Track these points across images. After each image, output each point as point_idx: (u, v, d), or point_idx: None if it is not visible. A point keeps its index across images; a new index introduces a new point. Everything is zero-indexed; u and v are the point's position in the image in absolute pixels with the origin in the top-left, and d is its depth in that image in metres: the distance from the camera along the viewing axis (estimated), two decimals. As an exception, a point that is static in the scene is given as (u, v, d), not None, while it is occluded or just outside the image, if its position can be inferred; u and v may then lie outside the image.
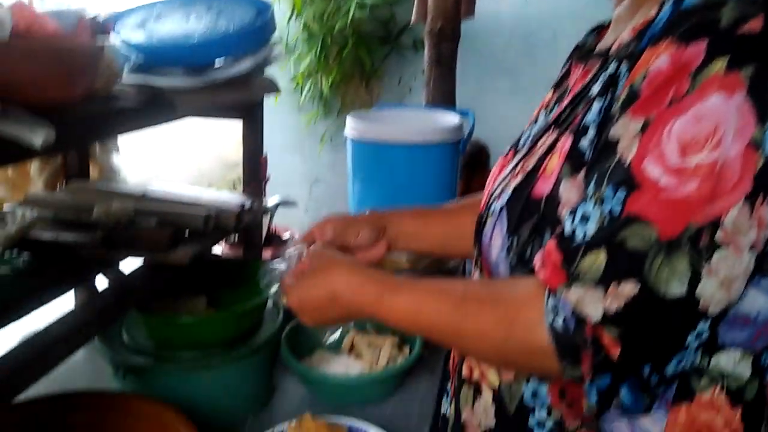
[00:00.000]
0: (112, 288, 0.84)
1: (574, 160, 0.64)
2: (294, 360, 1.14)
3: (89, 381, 1.11)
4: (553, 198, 0.65)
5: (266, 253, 1.41)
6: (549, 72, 0.87)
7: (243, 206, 1.05)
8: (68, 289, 0.93)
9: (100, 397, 0.93)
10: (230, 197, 1.16)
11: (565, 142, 0.66)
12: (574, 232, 0.59)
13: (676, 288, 0.54)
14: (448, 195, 1.68)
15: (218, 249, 1.49)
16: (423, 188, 1.65)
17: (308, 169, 3.12)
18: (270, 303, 1.18)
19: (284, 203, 1.48)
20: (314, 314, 0.77)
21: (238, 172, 1.31)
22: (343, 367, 1.20)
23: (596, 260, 0.56)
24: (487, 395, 0.75)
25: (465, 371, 0.80)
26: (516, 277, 0.69)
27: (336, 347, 1.28)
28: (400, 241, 0.93)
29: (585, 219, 0.59)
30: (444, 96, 2.11)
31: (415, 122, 1.78)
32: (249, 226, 1.24)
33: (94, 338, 1.03)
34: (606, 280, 0.55)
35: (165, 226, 0.92)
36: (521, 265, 0.68)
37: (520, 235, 0.68)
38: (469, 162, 2.12)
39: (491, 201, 0.75)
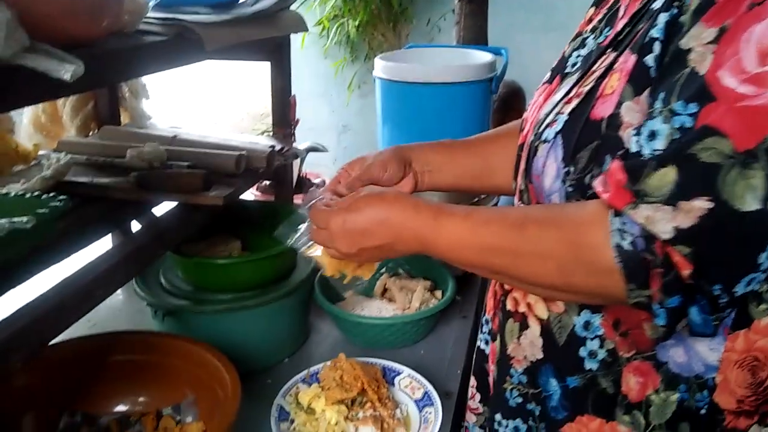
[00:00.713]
0: (147, 230, 0.84)
1: (638, 79, 0.61)
2: (327, 303, 1.14)
3: (129, 323, 1.14)
4: (615, 119, 0.63)
5: (297, 199, 1.40)
6: (585, 6, 0.82)
7: (273, 148, 1.04)
8: (105, 233, 0.94)
9: (141, 338, 0.95)
10: (260, 141, 1.15)
11: (627, 61, 0.63)
12: (640, 150, 0.57)
13: (751, 203, 0.51)
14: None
15: (250, 195, 1.49)
16: (453, 130, 1.61)
17: (336, 117, 3.09)
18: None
19: (314, 149, 1.47)
20: (357, 239, 0.70)
21: (267, 123, 1.30)
22: (375, 310, 1.21)
23: (666, 177, 0.54)
24: (534, 328, 0.75)
25: (510, 305, 0.79)
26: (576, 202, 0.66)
27: (368, 292, 1.28)
28: (425, 176, 0.90)
29: (652, 136, 0.56)
30: (475, 34, 2.05)
31: (446, 61, 1.74)
32: (280, 170, 1.23)
33: (133, 280, 1.06)
34: (676, 197, 0.53)
35: (197, 168, 0.92)
36: (578, 192, 0.66)
37: (577, 162, 0.65)
38: (501, 105, 2.07)
39: (542, 128, 0.72)
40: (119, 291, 1.34)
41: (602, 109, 0.64)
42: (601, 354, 0.70)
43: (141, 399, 0.92)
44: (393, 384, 1.01)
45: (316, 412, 0.92)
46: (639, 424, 0.69)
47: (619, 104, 0.62)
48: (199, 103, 2.26)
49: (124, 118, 1.29)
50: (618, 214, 0.57)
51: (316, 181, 1.60)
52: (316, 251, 0.79)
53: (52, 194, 0.79)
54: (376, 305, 1.22)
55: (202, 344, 0.91)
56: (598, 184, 0.61)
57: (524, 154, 0.76)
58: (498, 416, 0.83)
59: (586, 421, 0.72)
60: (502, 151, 0.94)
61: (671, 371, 0.67)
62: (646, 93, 0.60)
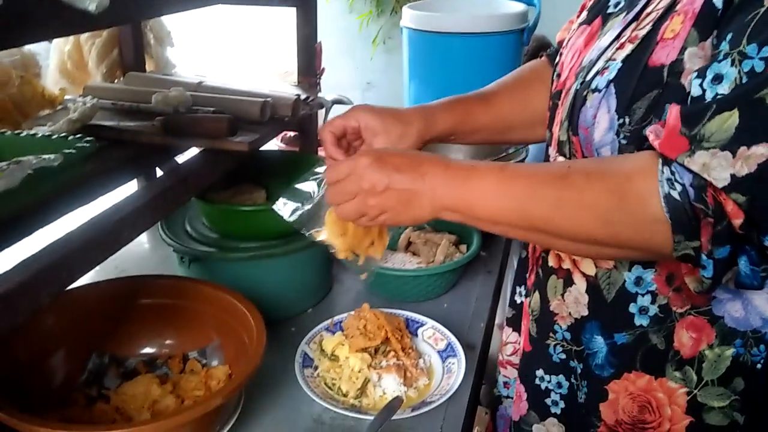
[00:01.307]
0: (172, 174, 0.84)
1: (705, 22, 0.58)
2: (351, 254, 1.14)
3: (156, 271, 1.15)
4: (677, 66, 0.59)
5: (322, 151, 1.39)
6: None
7: (299, 97, 1.02)
8: (131, 178, 0.94)
9: (168, 282, 0.96)
10: (286, 89, 1.13)
11: (693, 2, 0.59)
12: (702, 94, 0.54)
13: None
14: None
15: (275, 147, 1.48)
16: (482, 84, 1.58)
17: (360, 74, 3.04)
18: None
19: (340, 101, 1.45)
20: (389, 169, 0.65)
21: (292, 80, 1.28)
22: (399, 263, 1.20)
23: (726, 121, 0.52)
24: (580, 284, 0.74)
25: (552, 261, 0.78)
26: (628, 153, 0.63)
27: (392, 245, 1.27)
28: (444, 136, 0.88)
29: (717, 79, 0.54)
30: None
31: (476, 10, 1.69)
32: (305, 121, 1.22)
33: (159, 227, 1.06)
34: (736, 142, 0.51)
35: (222, 114, 0.90)
36: (633, 145, 0.63)
37: (634, 112, 0.62)
38: (529, 60, 2.01)
39: (590, 76, 0.68)
40: (146, 239, 1.35)
41: (662, 55, 0.61)
42: (653, 310, 0.68)
43: (167, 342, 0.94)
44: (416, 335, 1.01)
45: (339, 360, 0.93)
46: (690, 380, 0.68)
47: (682, 50, 0.59)
48: (223, 59, 2.24)
49: (149, 66, 1.28)
50: (668, 162, 0.55)
51: (341, 133, 1.57)
52: (324, 234, 0.76)
53: (78, 136, 0.78)
54: (400, 258, 1.22)
55: (228, 290, 0.91)
56: (650, 132, 0.58)
57: (564, 103, 0.72)
58: (540, 372, 0.82)
59: (634, 378, 0.71)
60: (520, 106, 0.91)
61: (727, 326, 0.66)
62: (712, 36, 0.57)
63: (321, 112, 1.38)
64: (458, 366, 0.93)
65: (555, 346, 0.79)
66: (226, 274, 1.00)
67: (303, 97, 1.09)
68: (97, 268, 1.21)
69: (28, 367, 0.81)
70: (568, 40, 0.80)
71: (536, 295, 0.81)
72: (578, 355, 0.76)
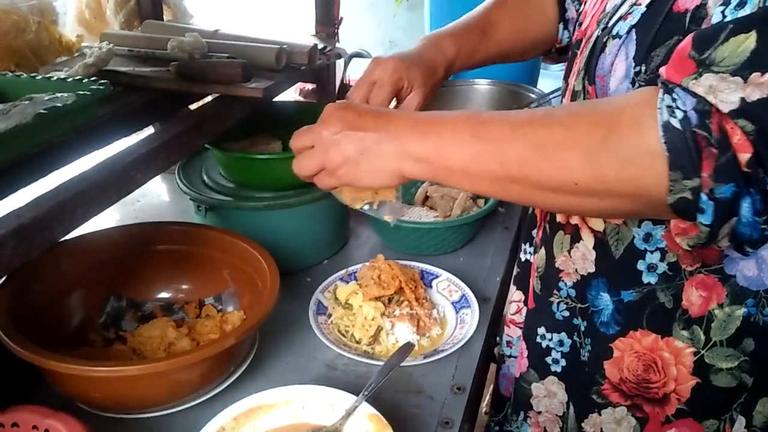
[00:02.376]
0: (186, 118, 0.84)
1: None
2: (367, 206, 1.13)
3: (174, 218, 1.16)
4: (700, 11, 0.55)
5: (340, 104, 1.38)
6: None
7: (315, 45, 1.01)
8: (146, 124, 0.94)
9: (185, 228, 0.96)
10: (303, 39, 1.12)
11: None
12: (723, 20, 0.50)
13: None
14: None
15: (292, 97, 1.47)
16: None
17: (383, 32, 2.99)
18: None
19: (359, 54, 1.42)
20: (350, 114, 0.61)
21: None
22: (416, 216, 1.19)
23: (741, 44, 0.47)
24: (588, 240, 0.72)
25: (560, 217, 0.76)
26: None
27: (409, 199, 1.27)
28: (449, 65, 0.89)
29: (741, 4, 0.49)
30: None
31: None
32: (322, 72, 1.21)
33: (177, 176, 1.07)
34: (750, 67, 0.46)
35: (236, 59, 0.90)
36: None
37: (651, 60, 0.58)
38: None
39: (612, 22, 0.65)
40: (166, 191, 1.36)
41: (687, 0, 0.57)
42: (662, 267, 0.66)
43: (184, 287, 0.95)
44: (430, 286, 1.01)
45: (353, 308, 0.93)
46: (698, 340, 0.66)
47: None
48: (241, 10, 2.21)
49: (167, 16, 1.27)
50: (670, 90, 0.50)
51: (360, 87, 1.55)
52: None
53: (93, 79, 0.78)
54: (417, 212, 1.21)
55: (243, 237, 0.92)
56: (661, 70, 0.54)
57: (584, 52, 0.69)
58: (541, 329, 0.81)
59: (640, 336, 0.69)
60: (518, 37, 0.94)
61: (739, 285, 0.63)
62: None
63: (339, 65, 1.36)
64: (472, 316, 0.93)
65: (558, 303, 0.78)
66: (242, 224, 1.00)
67: (320, 46, 1.07)
68: (118, 218, 1.24)
69: (47, 308, 0.83)
70: None
71: (542, 251, 0.80)
72: (582, 312, 0.75)
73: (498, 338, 1.65)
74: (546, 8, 0.93)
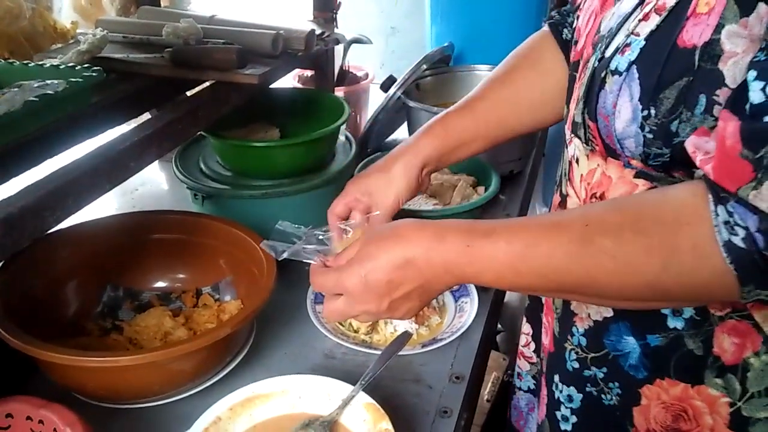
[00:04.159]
0: (181, 105, 0.82)
1: None
2: (367, 194, 1.12)
3: (173, 207, 1.15)
4: (712, 47, 0.48)
5: (339, 91, 1.36)
6: None
7: (313, 30, 0.99)
8: (140, 113, 0.93)
9: (181, 217, 0.96)
10: (300, 24, 1.10)
11: None
12: (765, 101, 0.42)
13: None
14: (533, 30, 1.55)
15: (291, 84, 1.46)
16: (507, 23, 1.52)
17: (385, 18, 2.96)
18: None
19: (358, 40, 1.41)
20: (383, 293, 0.57)
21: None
22: (415, 205, 1.18)
23: None
24: None
25: None
26: (663, 187, 0.53)
27: (410, 187, 1.25)
28: (452, 157, 0.82)
29: None
30: None
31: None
32: (321, 58, 1.19)
33: (174, 165, 1.06)
34: None
35: (232, 46, 0.88)
36: (661, 140, 0.53)
37: (660, 103, 0.52)
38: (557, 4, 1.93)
39: (608, 52, 0.57)
40: (164, 180, 1.36)
41: (694, 34, 0.49)
42: (688, 312, 0.59)
43: (181, 276, 0.94)
44: (430, 275, 1.00)
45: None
46: (733, 390, 0.59)
47: (718, 28, 0.48)
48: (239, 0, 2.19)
49: (164, 2, 1.26)
50: (721, 200, 0.45)
51: (360, 73, 1.54)
52: None
53: (86, 66, 0.77)
54: (416, 200, 1.19)
55: (240, 226, 0.91)
56: (693, 148, 0.48)
57: (582, 78, 0.62)
58: (557, 378, 0.74)
59: (667, 386, 0.62)
60: (509, 106, 0.82)
61: None
62: (758, 11, 0.45)
63: (339, 50, 1.35)
64: (471, 305, 0.92)
65: (570, 351, 0.70)
66: (239, 212, 0.99)
67: (318, 32, 1.06)
68: (116, 206, 1.24)
69: (43, 298, 0.82)
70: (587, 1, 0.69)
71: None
72: (597, 361, 0.67)
73: (502, 329, 1.64)
74: (539, 61, 0.83)
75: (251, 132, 1.11)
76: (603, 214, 0.53)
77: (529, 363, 0.89)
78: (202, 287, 0.93)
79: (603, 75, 0.57)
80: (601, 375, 0.68)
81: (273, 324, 0.91)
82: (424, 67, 1.35)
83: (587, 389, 0.70)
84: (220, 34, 0.94)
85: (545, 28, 0.85)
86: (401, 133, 1.48)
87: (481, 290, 0.97)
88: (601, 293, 0.53)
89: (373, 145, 1.38)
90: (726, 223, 0.44)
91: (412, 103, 1.28)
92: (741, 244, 0.44)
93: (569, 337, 0.70)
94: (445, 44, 1.49)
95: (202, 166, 1.08)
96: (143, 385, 0.73)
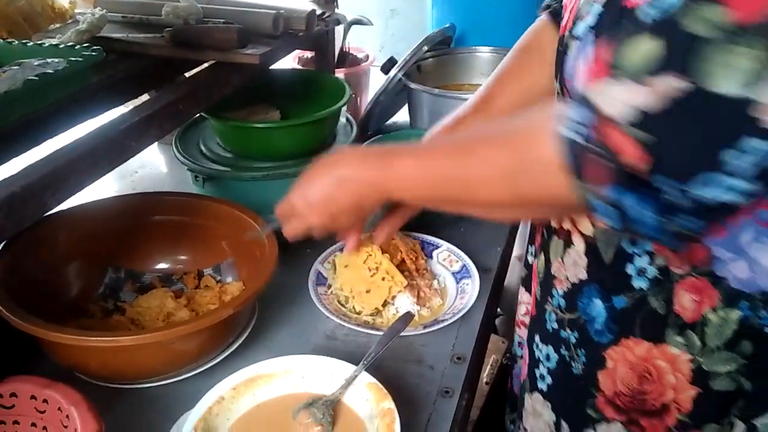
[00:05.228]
0: (181, 86, 0.82)
1: None
2: (368, 177, 1.12)
3: (173, 189, 1.15)
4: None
5: (339, 73, 1.35)
6: None
7: (314, 10, 0.98)
8: (140, 92, 0.92)
9: (182, 199, 0.95)
10: (301, 4, 1.09)
11: None
12: (644, 18, 0.45)
13: (729, 86, 0.42)
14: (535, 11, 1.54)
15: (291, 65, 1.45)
16: (508, 5, 1.51)
17: (383, 1, 2.94)
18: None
19: (358, 21, 1.40)
20: (322, 208, 0.69)
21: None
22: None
23: (640, 48, 0.44)
24: (579, 245, 0.68)
25: (554, 222, 0.73)
26: None
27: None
28: None
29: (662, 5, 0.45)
30: None
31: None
32: (321, 39, 1.18)
33: (174, 147, 1.05)
34: (647, 72, 0.44)
35: (233, 25, 0.87)
36: None
37: None
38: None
39: (576, 22, 0.60)
40: (162, 161, 1.35)
41: None
42: (652, 271, 0.62)
43: (182, 258, 0.94)
44: (431, 257, 1.00)
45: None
46: (693, 345, 0.62)
47: None
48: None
49: (162, -18, 1.24)
50: (572, 99, 0.49)
51: (360, 55, 1.53)
52: None
53: (86, 45, 0.77)
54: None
55: (241, 207, 0.91)
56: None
57: (557, 54, 0.66)
58: (537, 338, 0.78)
59: (633, 345, 0.65)
60: (527, 93, 0.84)
61: (731, 287, 0.59)
62: None
63: (339, 32, 1.34)
64: (472, 287, 0.93)
65: (550, 312, 0.74)
66: (240, 194, 0.99)
67: (319, 12, 1.05)
68: (116, 188, 1.23)
69: (45, 280, 0.82)
70: None
71: (542, 256, 0.76)
72: (571, 323, 0.71)
73: (501, 313, 1.65)
74: (542, 53, 0.82)
75: (251, 113, 1.10)
76: (490, 126, 0.64)
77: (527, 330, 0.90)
78: (203, 269, 0.93)
79: (567, 41, 0.62)
80: (573, 340, 0.71)
81: (275, 305, 0.91)
82: (426, 48, 1.34)
83: (562, 351, 0.74)
84: (220, 13, 0.93)
85: (543, 17, 0.85)
86: (402, 115, 1.47)
87: (483, 272, 0.97)
88: (476, 199, 0.60)
89: (373, 127, 1.38)
90: (569, 118, 0.49)
91: (413, 85, 1.27)
92: (575, 137, 0.48)
93: (549, 299, 0.74)
94: (447, 25, 1.48)
95: (203, 147, 1.08)
96: (146, 365, 0.74)
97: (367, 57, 1.51)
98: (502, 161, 0.56)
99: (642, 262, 0.63)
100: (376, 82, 1.43)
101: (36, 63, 0.64)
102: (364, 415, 0.69)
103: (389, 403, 0.67)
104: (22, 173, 0.59)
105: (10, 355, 0.75)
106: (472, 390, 0.86)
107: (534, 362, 0.79)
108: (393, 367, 0.82)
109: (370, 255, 0.91)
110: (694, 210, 0.46)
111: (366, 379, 0.71)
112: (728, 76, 0.42)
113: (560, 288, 0.72)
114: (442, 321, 0.87)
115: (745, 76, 0.42)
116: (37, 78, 0.63)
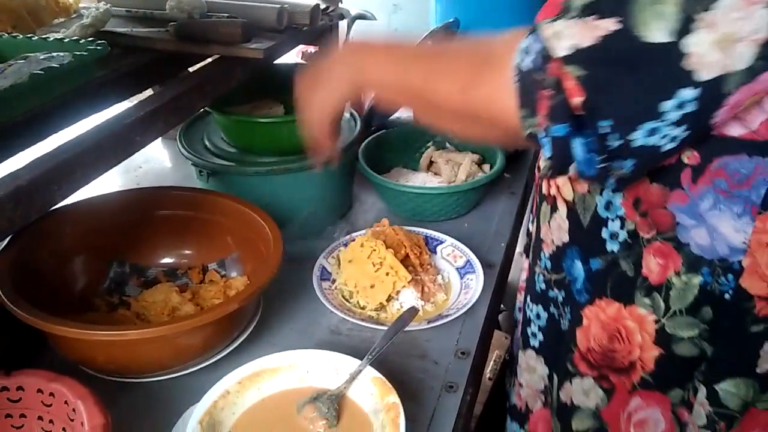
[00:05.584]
0: (186, 80, 0.82)
1: None
2: (371, 172, 1.12)
3: (177, 184, 1.15)
4: None
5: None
6: None
7: (318, 5, 0.98)
8: (144, 86, 0.93)
9: (187, 193, 0.95)
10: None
11: None
12: None
13: (658, 33, 0.45)
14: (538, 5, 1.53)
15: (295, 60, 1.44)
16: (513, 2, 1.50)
17: (387, -5, 2.94)
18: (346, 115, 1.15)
19: (362, 16, 1.39)
20: (312, 79, 0.78)
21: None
22: (420, 182, 1.18)
23: None
24: (561, 210, 0.72)
25: (544, 187, 0.76)
26: None
27: (414, 165, 1.25)
28: None
29: None
30: None
31: None
32: (325, 33, 1.18)
33: (178, 142, 1.05)
34: (588, 12, 0.48)
35: (237, 19, 0.87)
36: None
37: None
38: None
39: None
40: (166, 156, 1.35)
41: None
42: (622, 235, 0.66)
43: (187, 253, 0.94)
44: (435, 252, 1.00)
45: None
46: (659, 308, 0.66)
47: None
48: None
49: (165, -23, 1.24)
50: (533, 31, 0.53)
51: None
52: None
53: (90, 39, 0.76)
54: (421, 177, 1.19)
55: (246, 202, 0.91)
56: None
57: None
58: (528, 298, 0.82)
59: (604, 305, 0.69)
60: None
61: (693, 253, 0.62)
62: None
63: (342, 26, 1.33)
64: (476, 282, 0.93)
65: (539, 274, 0.79)
66: (245, 189, 0.99)
67: (322, 6, 1.05)
68: (120, 184, 1.24)
69: (50, 274, 0.82)
70: None
71: (536, 221, 0.80)
72: (558, 283, 0.75)
73: (503, 308, 1.65)
74: None
75: (255, 108, 1.10)
76: (455, 43, 0.76)
77: None
78: (208, 263, 0.93)
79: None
80: (560, 298, 0.76)
81: (279, 300, 0.91)
82: (430, 43, 1.33)
83: (551, 310, 0.78)
84: (224, 7, 0.93)
85: None
86: (406, 110, 1.47)
87: (487, 267, 0.98)
88: (431, 90, 0.63)
89: (377, 122, 1.37)
90: (524, 48, 0.52)
91: (416, 80, 1.27)
92: (525, 67, 0.52)
93: (538, 262, 0.79)
94: (450, 20, 1.48)
95: (207, 143, 1.08)
96: (152, 359, 0.74)
97: (371, 52, 1.51)
98: (463, 72, 0.60)
99: (614, 226, 0.66)
100: (379, 77, 1.42)
101: (41, 57, 0.63)
102: (369, 410, 0.70)
103: (394, 398, 0.67)
104: (28, 167, 0.59)
105: (17, 349, 0.75)
106: (476, 385, 0.86)
107: (526, 321, 0.84)
108: (397, 362, 0.82)
109: (375, 250, 0.91)
110: (627, 154, 0.51)
111: (371, 373, 0.71)
112: (656, 23, 0.45)
113: (547, 251, 0.76)
114: (447, 316, 0.87)
115: (672, 24, 0.45)
116: (42, 72, 0.63)
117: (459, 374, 0.81)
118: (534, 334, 0.82)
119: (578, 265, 0.71)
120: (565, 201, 0.71)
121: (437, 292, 0.93)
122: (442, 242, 1.01)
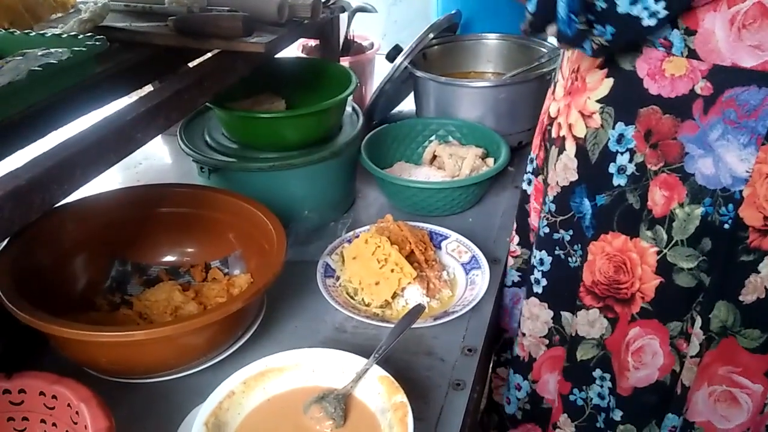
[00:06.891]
0: (186, 75, 0.80)
1: None
2: (374, 167, 1.11)
3: (177, 181, 1.13)
4: None
5: (344, 61, 1.34)
6: None
7: (319, -2, 0.97)
8: (144, 82, 0.91)
9: (189, 191, 0.94)
10: (306, -8, 1.07)
11: None
12: None
13: None
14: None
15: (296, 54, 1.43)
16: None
17: (387, -12, 2.91)
18: (349, 108, 1.14)
19: (363, 8, 1.38)
20: None
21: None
22: (423, 177, 1.17)
23: None
24: (570, 149, 0.75)
25: (554, 131, 0.79)
26: None
27: (417, 160, 1.24)
28: None
29: None
30: None
31: None
32: (326, 27, 1.16)
33: (179, 138, 1.04)
34: None
35: (238, 13, 0.86)
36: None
37: None
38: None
39: None
40: (166, 153, 1.34)
41: None
42: (630, 168, 0.70)
43: (189, 250, 0.93)
44: (440, 248, 0.99)
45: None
46: (661, 239, 0.70)
47: None
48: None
49: (164, -30, 1.23)
50: None
51: (365, 43, 1.51)
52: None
53: (89, 35, 0.75)
54: (425, 172, 1.18)
55: (248, 199, 0.90)
56: None
57: None
58: (535, 248, 0.86)
59: (611, 239, 0.73)
60: None
61: (697, 183, 0.66)
62: None
63: (343, 19, 1.32)
64: (482, 278, 0.92)
65: (543, 218, 0.82)
66: (247, 185, 0.98)
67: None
68: (120, 181, 1.22)
69: (51, 273, 0.81)
70: None
71: (544, 170, 0.83)
72: (564, 223, 0.78)
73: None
74: None
75: (256, 103, 1.09)
76: None
77: (513, 257, 0.97)
78: (210, 261, 0.92)
79: None
80: (567, 237, 0.79)
81: (283, 297, 0.90)
82: (431, 35, 1.32)
83: (556, 252, 0.82)
84: (224, 1, 0.92)
85: None
86: (408, 104, 1.46)
87: (492, 262, 0.96)
88: None
89: (379, 116, 1.36)
90: None
91: (419, 73, 1.26)
92: None
93: (543, 207, 0.82)
94: (452, 12, 1.46)
95: (207, 138, 1.07)
96: (156, 360, 0.73)
97: (372, 45, 1.50)
98: None
99: (623, 159, 0.70)
100: (380, 70, 1.41)
101: (39, 53, 0.62)
102: (376, 409, 0.69)
103: (401, 397, 0.66)
104: (28, 166, 0.58)
105: (18, 351, 0.74)
106: (483, 381, 0.85)
107: (530, 270, 0.88)
108: (403, 360, 0.81)
109: (379, 246, 0.90)
110: (610, 19, 0.55)
111: (377, 372, 0.70)
112: None
113: (551, 194, 0.80)
114: (452, 313, 0.86)
115: None
116: (40, 68, 0.62)
117: (466, 371, 0.80)
118: (537, 281, 0.85)
119: (586, 203, 0.75)
120: (575, 139, 0.74)
121: (443, 289, 0.91)
122: (446, 237, 1.00)
